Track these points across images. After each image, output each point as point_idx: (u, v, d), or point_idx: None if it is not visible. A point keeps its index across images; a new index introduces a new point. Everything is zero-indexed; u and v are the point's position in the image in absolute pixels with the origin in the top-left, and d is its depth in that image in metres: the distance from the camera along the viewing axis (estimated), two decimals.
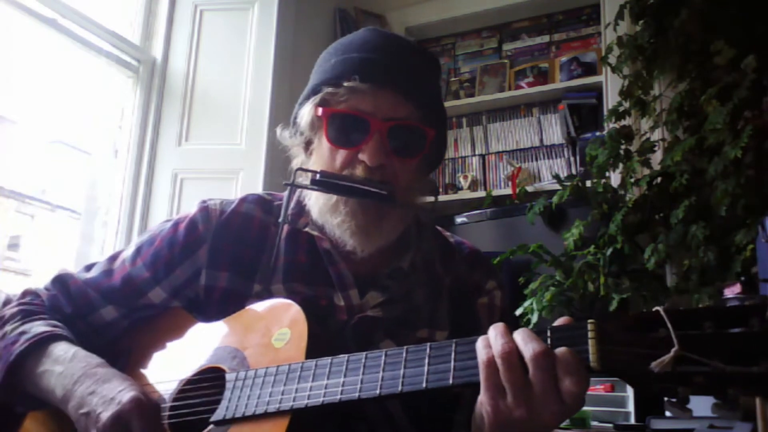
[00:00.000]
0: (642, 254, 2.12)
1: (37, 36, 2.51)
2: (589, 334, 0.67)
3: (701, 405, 1.84)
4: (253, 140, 2.68)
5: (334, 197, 0.98)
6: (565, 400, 0.68)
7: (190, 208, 1.10)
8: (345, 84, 0.96)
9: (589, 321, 0.68)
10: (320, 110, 0.99)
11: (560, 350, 0.68)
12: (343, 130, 0.98)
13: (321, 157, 1.01)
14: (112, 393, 0.85)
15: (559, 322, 0.73)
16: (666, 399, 0.67)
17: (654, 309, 0.65)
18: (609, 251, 2.18)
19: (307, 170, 1.01)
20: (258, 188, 2.60)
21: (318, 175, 0.98)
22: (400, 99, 0.97)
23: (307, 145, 1.06)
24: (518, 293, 2.27)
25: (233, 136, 2.73)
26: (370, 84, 0.95)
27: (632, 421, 1.94)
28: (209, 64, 2.81)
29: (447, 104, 3.37)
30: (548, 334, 0.70)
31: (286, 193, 1.04)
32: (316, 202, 1.01)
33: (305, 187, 1.01)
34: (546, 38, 3.33)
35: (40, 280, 1.11)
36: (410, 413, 0.95)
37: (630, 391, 1.97)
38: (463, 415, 0.97)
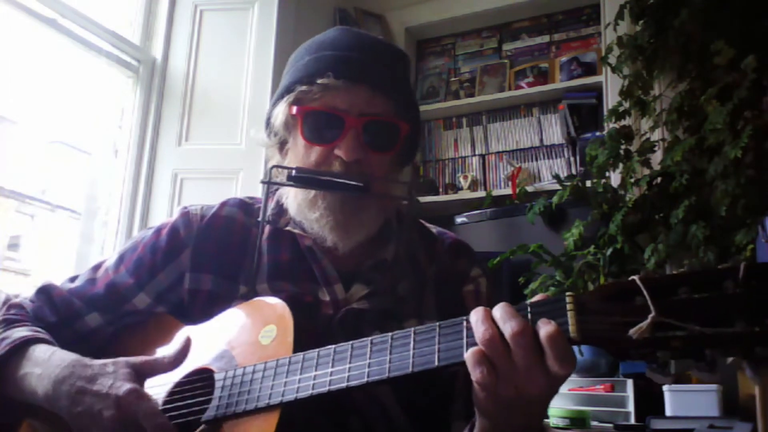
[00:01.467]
0: (642, 254, 2.12)
1: (37, 36, 2.51)
2: (568, 307, 0.69)
3: (701, 405, 1.85)
4: (253, 140, 2.68)
5: (312, 193, 0.99)
6: (550, 373, 0.68)
7: None
8: (318, 81, 0.96)
9: (567, 294, 0.70)
10: (294, 109, 1.00)
11: (540, 322, 0.69)
12: (318, 127, 0.99)
13: (297, 155, 1.02)
14: (104, 389, 0.84)
15: (537, 298, 0.74)
16: (647, 365, 0.68)
17: (630, 278, 0.67)
18: (609, 251, 2.18)
19: (282, 167, 1.02)
20: (258, 188, 2.60)
21: (294, 172, 0.98)
22: (374, 94, 0.98)
23: (282, 144, 1.07)
24: (518, 293, 2.27)
25: (233, 136, 2.72)
26: (343, 80, 0.96)
27: (632, 421, 1.94)
28: (209, 64, 2.81)
29: (447, 104, 3.41)
30: (528, 310, 0.71)
31: (263, 192, 1.04)
32: (294, 199, 1.02)
33: (282, 183, 1.02)
34: (546, 38, 3.33)
35: (40, 280, 1.11)
36: (404, 405, 0.95)
37: (630, 391, 1.98)
38: (460, 405, 0.97)
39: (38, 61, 2.84)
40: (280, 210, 1.06)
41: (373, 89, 0.98)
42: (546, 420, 1.96)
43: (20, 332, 0.97)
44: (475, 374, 0.70)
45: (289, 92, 1.00)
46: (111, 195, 2.72)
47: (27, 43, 2.60)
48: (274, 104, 1.04)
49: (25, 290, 1.11)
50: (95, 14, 2.60)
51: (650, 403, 1.95)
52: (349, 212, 0.98)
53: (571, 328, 0.68)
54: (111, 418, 0.82)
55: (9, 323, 1.01)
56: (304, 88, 0.98)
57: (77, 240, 2.72)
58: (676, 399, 1.88)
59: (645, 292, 0.65)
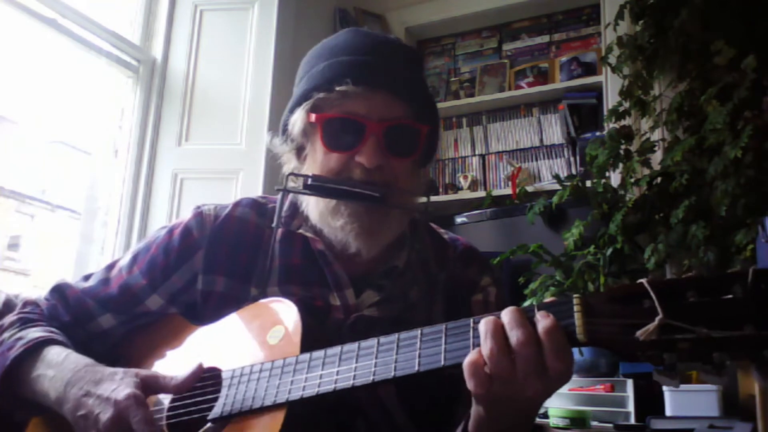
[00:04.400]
0: (642, 254, 2.12)
1: (37, 36, 2.51)
2: (575, 308, 0.69)
3: (701, 405, 1.85)
4: (253, 140, 2.68)
5: (335, 201, 0.98)
6: (550, 376, 0.69)
7: (190, 208, 1.10)
8: (337, 88, 0.95)
9: (575, 295, 0.70)
10: (313, 116, 0.99)
11: (539, 315, 0.70)
12: (338, 134, 0.98)
13: (315, 161, 1.01)
14: (106, 393, 0.85)
15: (547, 301, 0.74)
16: (654, 368, 0.68)
17: (638, 281, 0.67)
18: (609, 251, 2.18)
19: (298, 175, 1.01)
20: (258, 188, 2.61)
21: (310, 180, 0.98)
22: (393, 99, 0.98)
23: (299, 151, 1.06)
24: (518, 293, 2.27)
25: (233, 136, 2.72)
26: (362, 87, 0.95)
27: (632, 421, 1.94)
28: (209, 64, 2.81)
29: (447, 104, 3.41)
30: (536, 311, 0.72)
31: (279, 198, 1.04)
32: (315, 206, 1.01)
33: (298, 191, 1.02)
34: (546, 38, 3.33)
35: (40, 280, 1.12)
36: (408, 407, 0.95)
37: (630, 391, 1.97)
38: (463, 409, 0.97)
39: (38, 61, 2.84)
40: (293, 212, 1.06)
41: (392, 94, 0.97)
42: (546, 420, 1.97)
43: (35, 333, 0.98)
44: (470, 384, 0.71)
45: (306, 99, 0.99)
46: (111, 195, 2.72)
47: (27, 43, 2.60)
48: (290, 111, 1.03)
49: (25, 290, 1.11)
50: (95, 14, 2.60)
51: (650, 403, 1.95)
52: (374, 219, 0.97)
53: (579, 329, 0.68)
54: (106, 421, 0.83)
55: (24, 322, 1.02)
56: (322, 95, 0.97)
57: (77, 240, 2.72)
58: (676, 399, 1.88)
59: (653, 295, 0.65)
